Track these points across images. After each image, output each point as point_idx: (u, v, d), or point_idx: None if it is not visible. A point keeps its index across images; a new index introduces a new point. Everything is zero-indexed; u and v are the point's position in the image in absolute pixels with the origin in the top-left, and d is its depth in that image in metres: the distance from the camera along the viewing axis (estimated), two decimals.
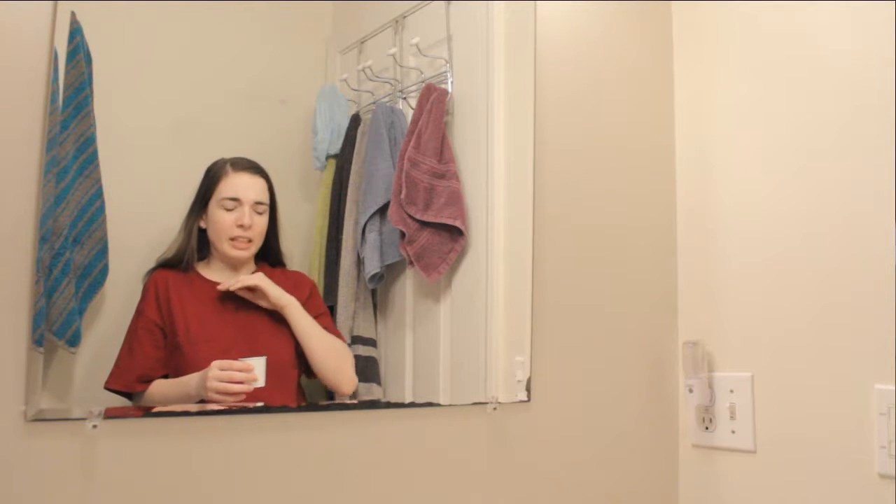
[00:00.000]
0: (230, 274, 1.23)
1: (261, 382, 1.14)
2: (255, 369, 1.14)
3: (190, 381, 1.12)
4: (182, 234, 1.19)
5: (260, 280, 1.22)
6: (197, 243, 1.21)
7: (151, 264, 1.17)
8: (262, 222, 1.23)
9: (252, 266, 1.26)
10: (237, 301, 1.21)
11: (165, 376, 1.14)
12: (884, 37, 1.32)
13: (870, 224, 1.32)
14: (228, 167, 1.21)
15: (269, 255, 1.27)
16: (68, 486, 0.96)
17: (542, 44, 1.48)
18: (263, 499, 1.11)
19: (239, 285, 1.20)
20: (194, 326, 1.16)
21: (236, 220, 1.20)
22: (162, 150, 1.20)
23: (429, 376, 1.36)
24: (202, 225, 1.21)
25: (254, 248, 1.23)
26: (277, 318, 1.23)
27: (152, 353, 1.13)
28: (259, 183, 1.23)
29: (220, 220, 1.20)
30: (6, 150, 0.96)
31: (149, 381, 1.12)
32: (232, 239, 1.21)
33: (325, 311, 1.30)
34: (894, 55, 1.31)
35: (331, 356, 1.26)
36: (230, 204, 1.20)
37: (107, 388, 1.09)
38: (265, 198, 1.23)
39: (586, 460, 1.47)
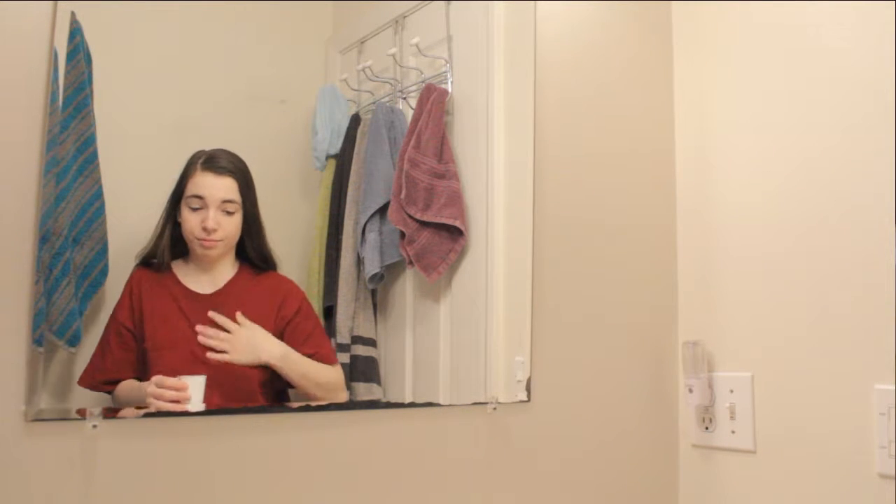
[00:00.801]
0: (205, 275, 1.20)
1: (196, 403, 1.09)
2: (190, 388, 1.09)
3: (142, 388, 1.10)
4: (156, 230, 1.18)
5: (229, 349, 1.17)
6: (172, 240, 1.18)
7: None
8: (231, 223, 1.20)
9: (230, 266, 1.22)
10: (210, 307, 1.18)
11: (139, 378, 1.12)
12: (884, 36, 1.32)
13: (870, 224, 1.32)
14: (198, 165, 1.19)
15: (248, 258, 1.23)
16: (68, 486, 0.96)
17: (543, 44, 1.48)
18: (263, 499, 1.11)
19: (210, 343, 1.17)
20: (161, 332, 1.14)
21: (201, 222, 1.18)
22: (162, 149, 1.20)
23: (429, 376, 1.36)
24: (179, 220, 1.19)
25: (223, 247, 1.20)
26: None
27: (120, 356, 1.11)
28: (226, 183, 1.19)
29: (186, 220, 1.18)
30: (6, 150, 0.96)
31: (116, 382, 1.11)
32: (199, 239, 1.18)
33: (315, 329, 1.26)
34: (894, 55, 1.31)
35: (321, 391, 1.24)
36: (196, 203, 1.17)
37: (79, 384, 1.08)
38: (234, 196, 1.19)
39: (586, 460, 1.47)
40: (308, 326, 1.26)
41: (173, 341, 1.15)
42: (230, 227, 1.20)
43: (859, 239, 1.34)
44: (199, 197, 1.17)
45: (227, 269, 1.23)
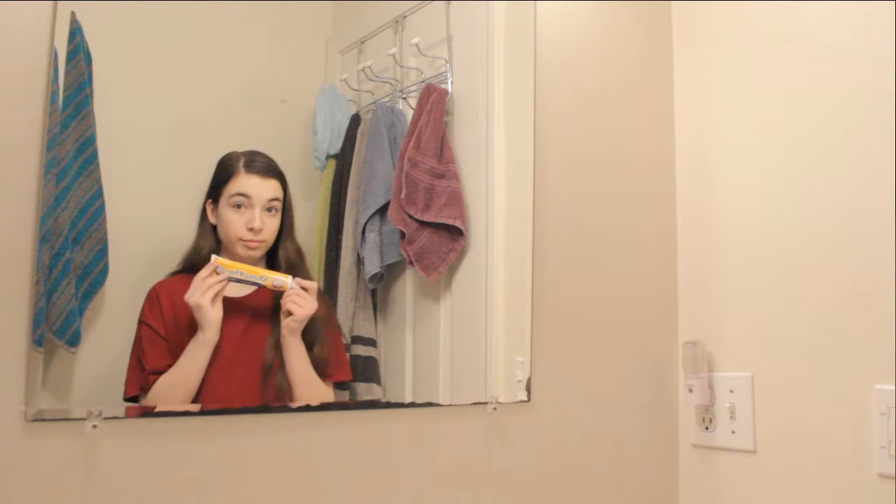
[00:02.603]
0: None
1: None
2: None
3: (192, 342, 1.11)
4: (198, 233, 1.18)
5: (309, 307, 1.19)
6: (216, 241, 1.18)
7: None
8: (273, 223, 1.21)
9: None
10: (242, 310, 1.18)
11: None
12: (884, 37, 1.32)
13: (870, 224, 1.32)
14: (240, 166, 1.19)
15: (277, 262, 1.22)
16: (68, 486, 0.96)
17: (542, 44, 1.48)
18: (263, 499, 1.11)
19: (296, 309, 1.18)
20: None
21: (247, 223, 1.18)
22: (162, 149, 1.20)
23: (429, 376, 1.36)
24: (213, 221, 1.19)
25: (265, 248, 1.21)
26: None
27: (156, 362, 1.11)
28: (271, 184, 1.21)
29: (230, 221, 1.18)
30: (6, 150, 0.96)
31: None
32: (243, 240, 1.19)
33: (331, 339, 1.25)
34: (894, 55, 1.31)
35: (305, 395, 1.21)
36: (241, 202, 1.18)
37: (124, 399, 1.09)
38: (279, 195, 1.21)
39: (586, 460, 1.47)
40: (328, 331, 1.25)
41: (216, 350, 1.13)
42: (272, 227, 1.21)
43: (859, 238, 1.34)
44: (246, 196, 1.18)
45: None
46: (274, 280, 1.18)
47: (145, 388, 1.10)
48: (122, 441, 1.00)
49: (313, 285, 1.20)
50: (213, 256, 1.15)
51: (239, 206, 1.19)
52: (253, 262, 1.21)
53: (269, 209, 1.20)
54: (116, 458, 1.00)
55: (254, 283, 1.17)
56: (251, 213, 1.19)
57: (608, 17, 1.61)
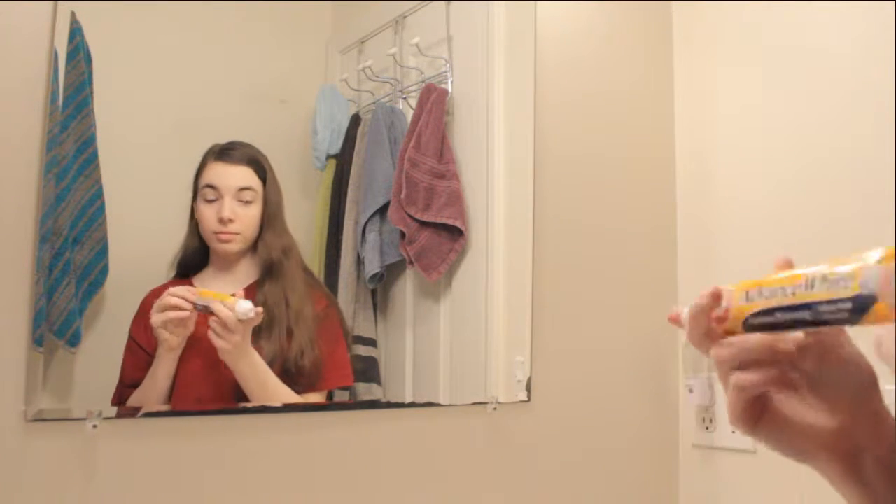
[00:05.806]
0: (224, 279, 1.17)
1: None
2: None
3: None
4: (186, 233, 1.15)
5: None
6: (200, 241, 1.15)
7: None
8: (247, 214, 1.15)
9: (253, 269, 1.18)
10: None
11: None
12: (884, 37, 1.32)
13: (870, 223, 1.32)
14: (211, 156, 1.15)
15: (269, 257, 1.16)
16: (68, 486, 0.96)
17: (542, 44, 1.48)
18: (263, 499, 1.11)
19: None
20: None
21: (216, 213, 1.13)
22: (162, 149, 1.20)
23: (429, 376, 1.36)
24: (197, 218, 1.16)
25: (241, 241, 1.15)
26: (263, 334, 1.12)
27: (132, 374, 1.09)
28: (240, 170, 1.15)
29: (202, 214, 1.14)
30: (6, 150, 0.96)
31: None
32: (215, 232, 1.14)
33: (327, 343, 1.19)
34: (894, 55, 1.31)
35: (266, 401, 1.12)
36: (210, 194, 1.13)
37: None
38: (251, 184, 1.15)
39: (586, 460, 1.47)
40: (328, 338, 1.21)
41: (190, 351, 1.10)
42: (247, 218, 1.15)
43: (859, 238, 1.33)
44: (213, 187, 1.14)
45: (248, 272, 1.18)
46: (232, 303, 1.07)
47: (123, 400, 1.08)
48: (122, 441, 1.00)
49: (247, 313, 1.06)
50: (196, 287, 1.09)
51: (210, 198, 1.14)
52: (230, 258, 1.17)
53: (243, 199, 1.15)
54: (116, 458, 1.00)
55: (207, 310, 1.07)
56: (221, 204, 1.13)
57: (608, 16, 1.61)
